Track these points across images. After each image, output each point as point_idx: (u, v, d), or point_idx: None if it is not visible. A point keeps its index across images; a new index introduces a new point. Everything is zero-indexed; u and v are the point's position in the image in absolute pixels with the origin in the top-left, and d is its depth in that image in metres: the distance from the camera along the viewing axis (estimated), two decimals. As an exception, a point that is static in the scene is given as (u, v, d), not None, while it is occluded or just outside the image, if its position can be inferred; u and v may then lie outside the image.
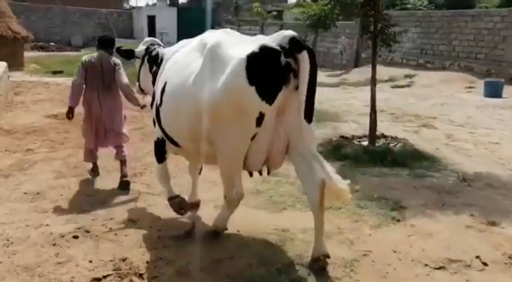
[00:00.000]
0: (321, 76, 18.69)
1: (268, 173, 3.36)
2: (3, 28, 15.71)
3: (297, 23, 27.94)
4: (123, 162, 5.12)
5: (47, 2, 30.22)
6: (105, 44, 5.16)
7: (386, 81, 15.94)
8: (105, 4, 34.27)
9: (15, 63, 16.08)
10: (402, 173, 5.38)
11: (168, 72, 3.58)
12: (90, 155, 5.23)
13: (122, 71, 5.08)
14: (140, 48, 4.59)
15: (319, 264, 3.09)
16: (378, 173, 5.36)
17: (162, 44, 4.67)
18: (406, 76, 15.87)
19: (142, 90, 4.77)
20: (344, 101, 12.14)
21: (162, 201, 4.34)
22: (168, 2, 34.85)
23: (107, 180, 5.23)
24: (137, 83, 4.75)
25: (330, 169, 3.04)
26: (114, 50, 5.06)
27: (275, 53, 2.74)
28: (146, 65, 4.43)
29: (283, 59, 2.73)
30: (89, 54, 5.21)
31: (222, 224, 3.65)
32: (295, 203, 4.32)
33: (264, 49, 2.75)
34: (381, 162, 5.64)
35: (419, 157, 5.89)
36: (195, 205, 4.15)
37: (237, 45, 3.01)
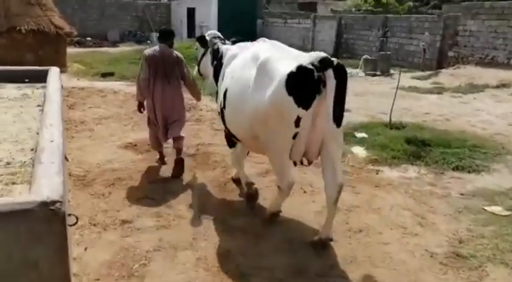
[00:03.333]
0: (406, 78, 16.03)
1: (309, 164, 3.80)
2: (45, 23, 13.46)
3: (356, 15, 25.27)
4: (180, 150, 5.38)
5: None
6: (166, 36, 5.31)
7: (497, 87, 13.22)
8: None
9: (58, 63, 13.86)
10: None
11: (228, 80, 4.15)
12: (157, 143, 5.54)
13: (184, 64, 5.31)
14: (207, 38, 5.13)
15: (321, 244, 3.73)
16: None
17: (222, 36, 5.07)
18: (524, 81, 13.07)
19: (200, 74, 5.45)
20: (476, 117, 9.50)
21: None
22: (208, -7, 32.36)
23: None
24: (196, 67, 5.46)
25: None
26: (173, 41, 5.36)
27: (309, 71, 3.28)
28: (209, 56, 5.05)
29: (316, 74, 3.26)
30: (151, 48, 5.36)
31: (277, 208, 4.22)
32: None
33: (300, 68, 3.29)
34: None
35: None
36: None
37: (282, 61, 3.55)
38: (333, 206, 3.65)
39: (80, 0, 27.18)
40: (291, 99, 3.27)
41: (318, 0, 41.21)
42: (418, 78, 15.83)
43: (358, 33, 22.40)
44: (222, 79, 4.33)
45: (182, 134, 5.43)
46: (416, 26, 18.89)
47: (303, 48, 25.80)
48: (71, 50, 18.79)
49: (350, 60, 20.79)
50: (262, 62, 3.59)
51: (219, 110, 4.33)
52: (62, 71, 13.31)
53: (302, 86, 3.27)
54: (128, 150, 6.25)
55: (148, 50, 5.27)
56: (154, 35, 23.87)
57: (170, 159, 5.63)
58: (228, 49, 4.62)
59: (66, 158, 4.63)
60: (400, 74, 8.57)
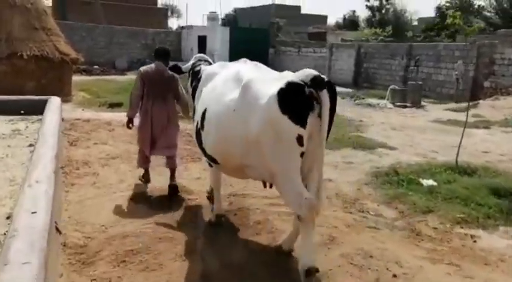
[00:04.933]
0: (439, 110, 14.73)
1: None
2: (50, 48, 12.36)
3: (376, 43, 24.24)
4: (173, 170, 5.29)
5: (90, 21, 27.45)
6: (162, 55, 5.26)
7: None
8: (149, 22, 31.54)
9: (62, 92, 12.74)
10: None
11: (207, 99, 3.94)
12: (144, 161, 5.38)
13: (180, 84, 5.26)
14: (188, 63, 4.90)
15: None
16: None
17: (211, 61, 5.01)
18: None
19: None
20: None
21: None
22: (220, 22, 31.69)
23: None
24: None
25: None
26: (169, 61, 5.23)
27: (299, 87, 3.07)
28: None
29: (306, 89, 3.05)
30: (147, 65, 5.28)
31: (312, 255, 3.30)
32: None
33: (290, 84, 3.10)
34: None
35: None
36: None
37: (267, 81, 3.35)
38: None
39: (88, 27, 26.45)
40: (286, 117, 3.06)
41: (327, 29, 40.69)
42: (454, 110, 14.49)
43: (379, 62, 21.28)
44: (199, 98, 4.25)
45: (175, 151, 5.42)
46: (445, 55, 17.75)
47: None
48: (76, 78, 17.71)
49: (372, 90, 19.59)
50: (246, 83, 3.40)
51: (196, 131, 4.11)
52: (66, 101, 12.06)
53: (295, 102, 3.08)
54: (142, 203, 4.86)
55: (144, 67, 5.23)
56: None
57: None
58: (207, 68, 4.49)
59: (57, 228, 3.24)
60: (468, 107, 7.15)
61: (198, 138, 4.02)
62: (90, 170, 6.02)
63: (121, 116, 10.37)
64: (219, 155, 3.75)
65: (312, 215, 3.18)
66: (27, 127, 6.19)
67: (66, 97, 12.81)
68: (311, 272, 3.17)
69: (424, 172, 6.49)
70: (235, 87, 3.53)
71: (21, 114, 7.31)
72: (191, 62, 4.91)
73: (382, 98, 16.32)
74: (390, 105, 15.20)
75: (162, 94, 5.11)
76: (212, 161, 3.96)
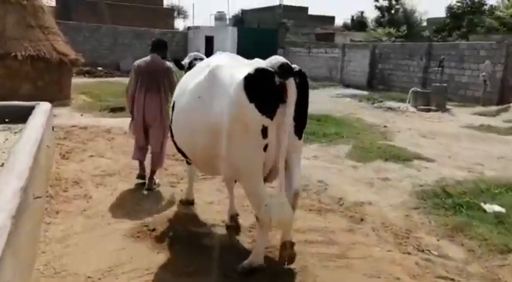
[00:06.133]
0: (466, 114, 13.59)
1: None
2: (47, 48, 11.37)
3: (392, 43, 23.12)
4: (154, 172, 5.22)
5: (94, 21, 26.53)
6: (158, 47, 5.20)
7: None
8: (155, 23, 30.59)
9: (60, 96, 11.81)
10: None
11: (177, 91, 3.92)
12: (140, 151, 5.28)
13: (173, 75, 5.20)
14: (185, 61, 4.79)
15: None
16: None
17: (204, 57, 4.77)
18: None
19: None
20: None
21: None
22: (228, 22, 30.67)
23: None
24: None
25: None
26: (166, 53, 5.26)
27: (269, 74, 2.91)
28: None
29: (277, 79, 2.89)
30: (142, 59, 5.17)
31: (261, 253, 3.31)
32: None
33: (259, 70, 2.93)
34: None
35: None
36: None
37: (235, 67, 3.18)
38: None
39: (92, 28, 25.53)
40: (252, 106, 2.88)
41: (335, 30, 39.61)
42: (483, 114, 13.38)
43: (395, 63, 20.16)
44: None
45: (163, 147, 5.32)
46: (469, 55, 16.59)
47: (330, 80, 23.29)
48: (78, 80, 16.76)
49: (388, 92, 18.47)
50: (213, 69, 3.27)
51: (169, 127, 4.02)
52: (64, 104, 10.96)
53: (263, 90, 2.90)
54: (143, 241, 3.80)
55: (139, 60, 5.19)
56: (172, 64, 22.09)
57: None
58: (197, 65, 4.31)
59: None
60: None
61: (171, 131, 3.96)
62: (81, 192, 4.99)
63: (123, 122, 9.37)
64: (186, 146, 3.64)
65: (270, 222, 3.08)
66: (6, 140, 5.18)
67: (64, 101, 11.87)
68: (255, 271, 3.21)
69: (482, 193, 5.42)
70: (202, 75, 3.44)
71: (5, 122, 6.33)
72: (186, 60, 4.83)
73: (402, 100, 15.22)
74: (412, 109, 14.07)
75: (157, 86, 5.07)
76: (182, 155, 3.94)
